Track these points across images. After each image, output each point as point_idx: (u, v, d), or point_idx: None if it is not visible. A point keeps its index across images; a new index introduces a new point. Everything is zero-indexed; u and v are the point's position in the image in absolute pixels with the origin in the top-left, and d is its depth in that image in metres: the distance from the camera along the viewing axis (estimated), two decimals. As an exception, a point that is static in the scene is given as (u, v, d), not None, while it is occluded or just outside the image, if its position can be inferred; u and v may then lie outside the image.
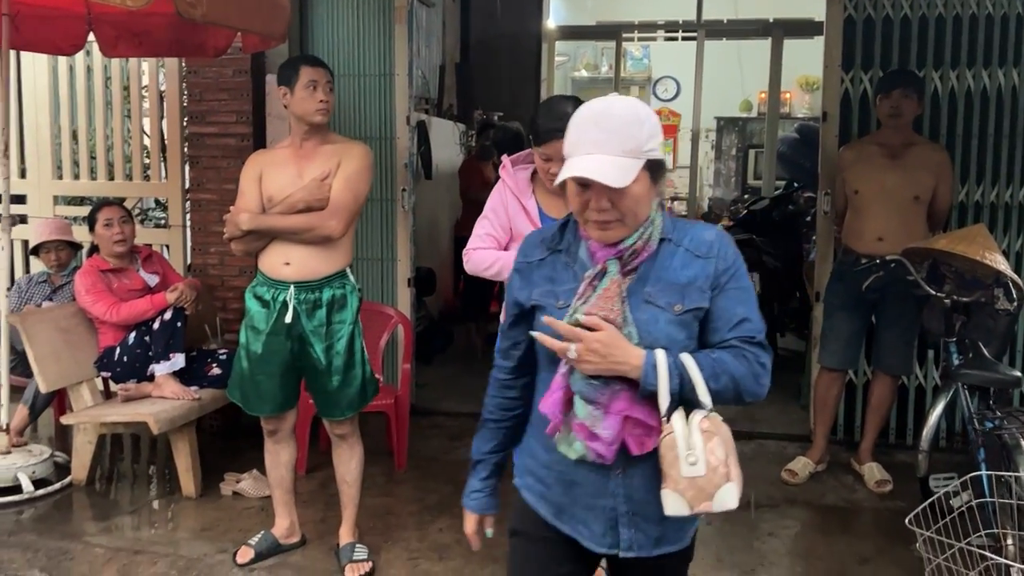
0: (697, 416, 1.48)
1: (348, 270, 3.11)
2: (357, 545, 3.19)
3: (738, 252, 1.62)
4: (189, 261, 4.85)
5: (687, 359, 1.50)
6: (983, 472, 2.33)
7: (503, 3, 7.76)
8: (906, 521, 1.90)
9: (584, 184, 1.51)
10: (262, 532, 3.27)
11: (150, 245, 4.55)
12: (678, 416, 1.48)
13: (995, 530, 2.02)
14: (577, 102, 2.13)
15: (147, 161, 5.42)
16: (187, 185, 4.87)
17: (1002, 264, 3.16)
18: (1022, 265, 4.28)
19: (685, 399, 1.50)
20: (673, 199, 10.89)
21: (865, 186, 3.86)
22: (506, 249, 2.65)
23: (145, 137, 5.39)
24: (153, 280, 4.02)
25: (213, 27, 3.89)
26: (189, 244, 4.85)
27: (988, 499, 2.17)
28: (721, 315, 1.58)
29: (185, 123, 4.77)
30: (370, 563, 3.13)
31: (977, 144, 4.29)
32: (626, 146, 1.49)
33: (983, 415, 2.99)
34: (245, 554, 3.18)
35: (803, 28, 7.58)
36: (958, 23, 4.25)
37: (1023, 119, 4.23)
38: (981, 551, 1.81)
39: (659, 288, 1.57)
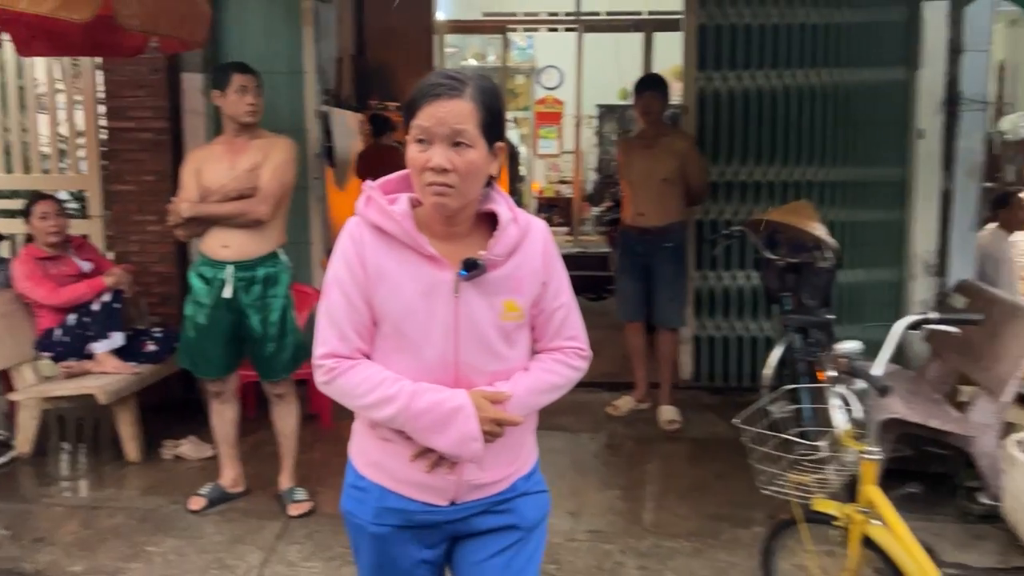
0: None
1: (280, 250, 3.56)
2: (297, 489, 3.67)
3: None
4: (106, 248, 5.11)
5: None
6: (799, 385, 3.04)
7: (394, -2, 8.19)
8: (733, 421, 2.55)
9: None
10: (211, 483, 3.70)
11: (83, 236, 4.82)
12: None
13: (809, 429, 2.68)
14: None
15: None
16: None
17: (821, 231, 3.90)
18: (835, 232, 5.10)
19: None
20: (560, 182, 11.59)
21: (630, 173, 4.71)
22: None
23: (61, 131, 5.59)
24: (87, 266, 4.33)
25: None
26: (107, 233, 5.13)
27: (803, 406, 2.86)
28: None
29: (103, 118, 5.04)
30: (311, 503, 3.62)
31: (808, 131, 5.06)
32: None
33: (806, 350, 3.73)
34: (197, 502, 3.60)
35: (671, 24, 8.33)
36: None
37: (831, 111, 5.01)
38: (793, 439, 2.46)
39: None
